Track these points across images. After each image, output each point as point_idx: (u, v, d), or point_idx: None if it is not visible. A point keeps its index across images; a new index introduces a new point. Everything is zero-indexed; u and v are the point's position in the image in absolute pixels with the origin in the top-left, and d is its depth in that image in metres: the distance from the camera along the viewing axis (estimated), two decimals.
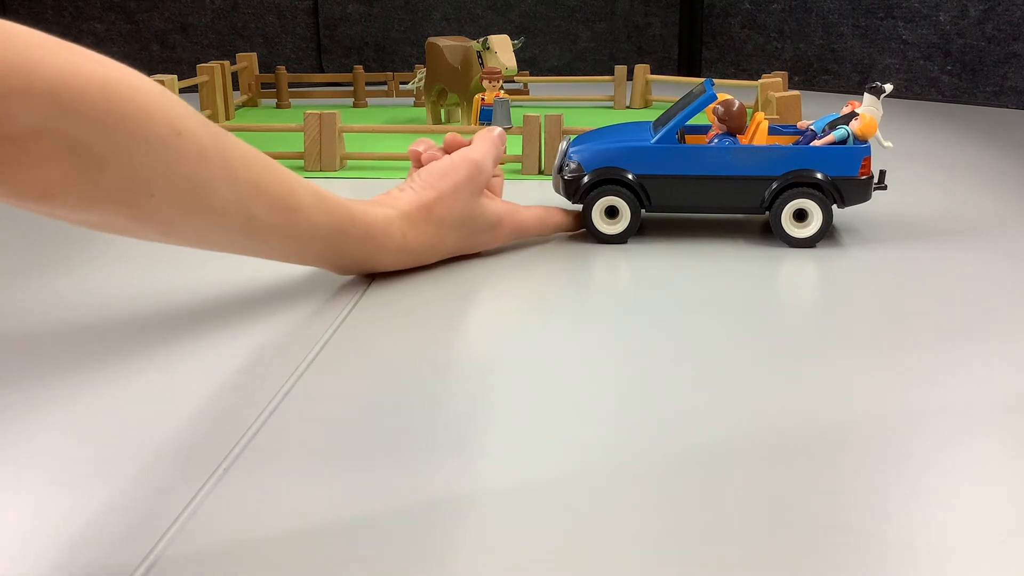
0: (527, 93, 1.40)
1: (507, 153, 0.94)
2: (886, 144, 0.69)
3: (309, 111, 0.92)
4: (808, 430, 0.40)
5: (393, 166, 0.94)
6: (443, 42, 1.11)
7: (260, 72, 1.39)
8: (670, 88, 1.34)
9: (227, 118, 1.21)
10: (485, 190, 0.63)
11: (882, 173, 0.69)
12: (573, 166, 0.68)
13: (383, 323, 0.53)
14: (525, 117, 0.91)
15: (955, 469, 0.37)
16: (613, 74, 1.34)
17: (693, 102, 0.66)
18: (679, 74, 1.72)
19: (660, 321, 0.53)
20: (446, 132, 0.66)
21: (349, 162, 0.96)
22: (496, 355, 0.49)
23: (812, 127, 0.70)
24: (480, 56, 1.06)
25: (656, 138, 0.67)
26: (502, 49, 1.04)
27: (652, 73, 1.35)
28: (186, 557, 0.31)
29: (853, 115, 0.67)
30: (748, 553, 0.32)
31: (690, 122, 0.68)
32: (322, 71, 1.73)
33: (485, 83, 1.02)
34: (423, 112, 1.26)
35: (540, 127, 0.91)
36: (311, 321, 0.53)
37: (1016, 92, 1.37)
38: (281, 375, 0.46)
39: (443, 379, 0.46)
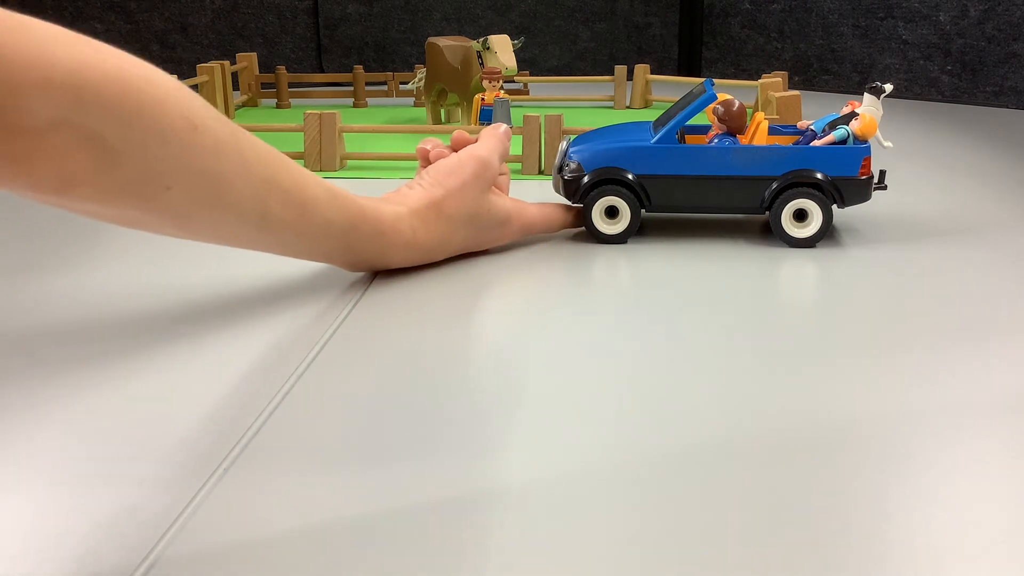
0: (527, 93, 1.40)
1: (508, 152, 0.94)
2: (886, 144, 0.69)
3: (309, 111, 0.92)
4: (808, 430, 0.40)
5: (393, 166, 0.94)
6: (443, 42, 1.11)
7: (260, 72, 1.39)
8: (670, 88, 1.34)
9: None
10: (493, 187, 0.63)
11: (882, 173, 0.69)
12: (573, 166, 0.68)
13: (384, 322, 0.53)
14: (525, 117, 0.91)
15: (955, 469, 0.37)
16: (613, 74, 1.34)
17: (693, 102, 0.66)
18: (679, 74, 1.72)
19: (661, 321, 0.53)
20: (446, 132, 0.66)
21: (349, 162, 0.96)
22: (497, 355, 0.49)
23: (812, 127, 0.70)
24: (480, 56, 1.06)
25: (656, 138, 0.67)
26: (502, 49, 1.04)
27: (652, 73, 1.35)
28: (186, 557, 0.31)
29: (853, 115, 0.67)
30: (748, 553, 0.32)
31: (690, 122, 0.68)
32: (322, 71, 1.73)
33: (485, 83, 1.02)
34: (423, 112, 1.26)
35: (540, 127, 0.91)
36: (311, 321, 0.53)
37: (1016, 92, 1.37)
38: (281, 375, 0.46)
39: (444, 379, 0.46)
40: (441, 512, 0.34)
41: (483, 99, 1.03)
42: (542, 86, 1.46)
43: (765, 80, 1.11)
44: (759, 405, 0.43)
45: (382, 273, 0.61)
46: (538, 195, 0.71)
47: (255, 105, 1.37)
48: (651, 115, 1.14)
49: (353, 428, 0.41)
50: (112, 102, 0.41)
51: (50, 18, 0.40)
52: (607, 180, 0.67)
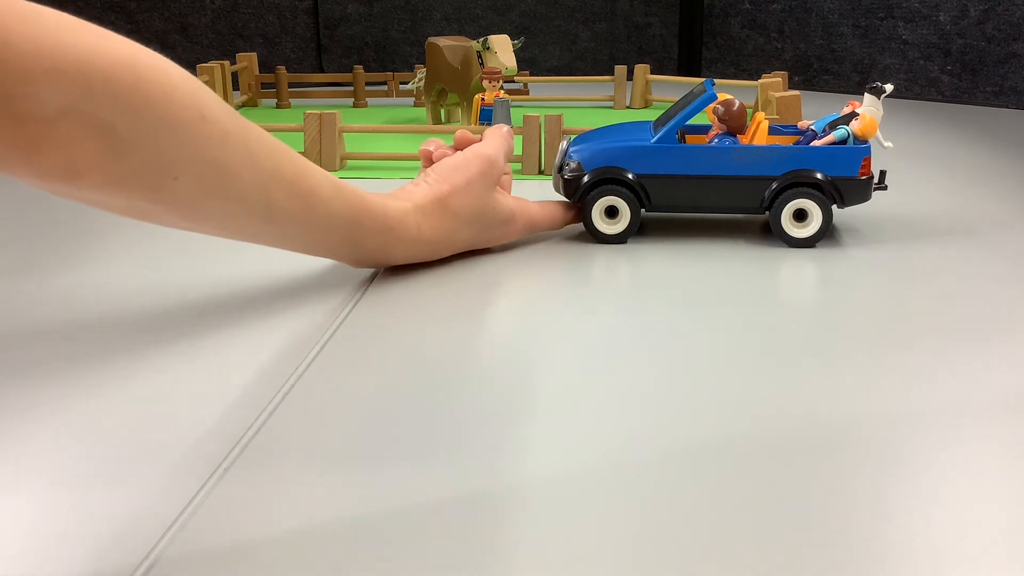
0: (527, 93, 1.40)
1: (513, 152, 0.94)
2: (886, 144, 0.69)
3: (309, 111, 0.92)
4: (808, 430, 0.40)
5: (393, 166, 0.94)
6: (443, 42, 1.11)
7: (260, 72, 1.39)
8: (670, 88, 1.34)
9: None
10: (497, 187, 0.63)
11: (882, 173, 0.69)
12: (573, 165, 0.68)
13: (385, 321, 0.53)
14: (525, 117, 0.91)
15: (955, 469, 0.37)
16: (613, 74, 1.34)
17: (693, 102, 0.66)
18: (679, 74, 1.72)
19: (663, 321, 0.53)
20: (446, 132, 0.66)
21: (349, 162, 0.96)
22: (498, 355, 0.49)
23: (812, 127, 0.70)
24: (480, 56, 1.06)
25: (656, 138, 0.67)
26: (502, 49, 1.04)
27: (652, 73, 1.35)
28: (186, 557, 0.31)
29: (853, 115, 0.67)
30: (749, 553, 0.31)
31: (690, 122, 0.68)
32: (322, 71, 1.73)
33: (485, 83, 1.02)
34: (423, 112, 1.26)
35: (540, 127, 0.91)
36: (312, 320, 0.53)
37: (1016, 92, 1.37)
38: (281, 374, 0.46)
39: (445, 378, 0.46)
40: (442, 512, 0.34)
41: (483, 99, 1.03)
42: (542, 86, 1.46)
43: (765, 80, 1.11)
44: (759, 405, 0.43)
45: (384, 272, 0.61)
46: (538, 195, 0.71)
47: (255, 105, 1.37)
48: (651, 115, 1.14)
49: (354, 428, 0.41)
50: (121, 91, 0.41)
51: None
52: (607, 180, 0.67)
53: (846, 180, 0.65)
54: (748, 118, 0.69)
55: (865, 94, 0.67)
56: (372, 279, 0.60)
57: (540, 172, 0.92)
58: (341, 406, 0.43)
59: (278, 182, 0.50)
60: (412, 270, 0.61)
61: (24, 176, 0.42)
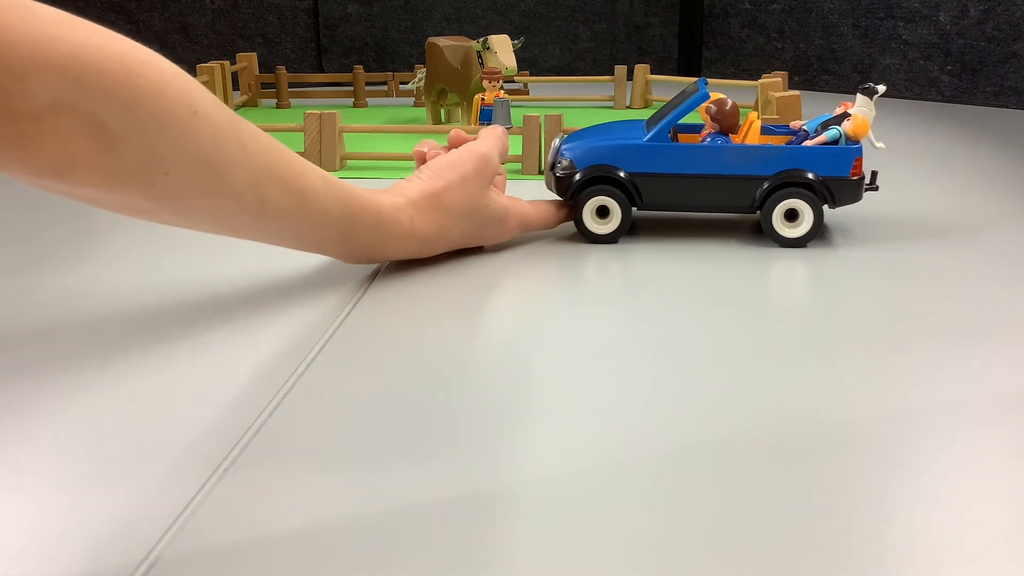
0: (527, 93, 1.40)
1: (507, 152, 0.94)
2: (878, 145, 0.69)
3: (309, 111, 0.92)
4: (808, 430, 0.40)
5: (393, 166, 0.94)
6: (443, 42, 1.11)
7: (260, 72, 1.39)
8: (670, 88, 1.34)
9: None
10: (491, 185, 0.63)
11: (873, 174, 0.69)
12: (565, 163, 0.68)
13: (383, 321, 0.53)
14: (525, 117, 0.91)
15: (955, 469, 0.37)
16: (613, 74, 1.34)
17: (686, 101, 0.66)
18: (679, 74, 1.72)
19: (658, 321, 0.53)
20: (446, 132, 0.66)
21: (349, 162, 0.96)
22: (497, 355, 0.49)
23: (805, 127, 0.70)
24: (480, 56, 1.06)
25: (648, 136, 0.67)
26: (502, 49, 1.04)
27: (652, 73, 1.35)
28: (186, 557, 0.31)
29: (845, 116, 0.67)
30: (748, 553, 0.32)
31: (683, 121, 0.68)
32: (322, 71, 1.73)
33: (485, 83, 1.02)
34: (423, 112, 1.26)
35: (540, 127, 0.91)
36: (311, 320, 0.53)
37: (1016, 92, 1.37)
38: (281, 374, 0.46)
39: (444, 378, 0.46)
40: (441, 512, 0.34)
41: (483, 99, 1.03)
42: (542, 86, 1.46)
43: (765, 80, 1.11)
44: (758, 405, 0.43)
45: (383, 272, 0.61)
46: (537, 195, 0.71)
47: (255, 105, 1.37)
48: (649, 115, 1.14)
49: (354, 428, 0.41)
50: (113, 86, 0.41)
51: None
52: (599, 178, 0.67)
53: (837, 180, 0.65)
54: (741, 117, 0.69)
55: (857, 95, 0.67)
56: (372, 278, 0.60)
57: (540, 172, 0.92)
58: (341, 406, 0.43)
59: (271, 178, 0.50)
60: (411, 270, 0.61)
61: (15, 172, 0.41)
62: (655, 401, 0.43)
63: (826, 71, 1.59)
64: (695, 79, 0.71)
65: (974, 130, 1.19)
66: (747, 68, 1.69)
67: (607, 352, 0.49)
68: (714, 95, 0.67)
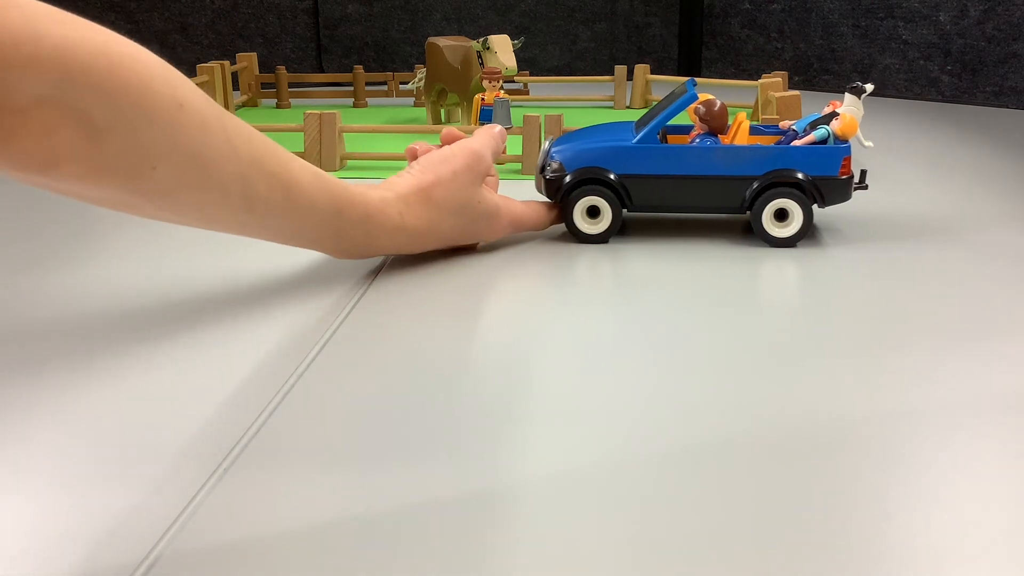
0: (527, 93, 1.40)
1: (507, 153, 0.94)
2: (867, 144, 0.69)
3: (309, 111, 0.92)
4: (806, 430, 0.40)
5: (393, 166, 0.94)
6: (443, 42, 1.11)
7: (260, 72, 1.39)
8: (670, 88, 1.34)
9: None
10: (483, 182, 0.63)
11: (863, 173, 0.69)
12: (555, 166, 0.68)
13: (383, 321, 0.53)
14: (525, 117, 0.91)
15: (955, 469, 0.37)
16: (613, 74, 1.34)
17: (675, 102, 0.67)
18: (679, 74, 1.72)
19: (656, 322, 0.53)
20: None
21: (349, 162, 0.96)
22: (495, 355, 0.49)
23: (793, 127, 0.70)
24: (480, 56, 1.06)
25: (637, 138, 0.67)
26: (502, 49, 1.04)
27: (652, 73, 1.35)
28: (186, 557, 0.31)
29: (834, 115, 0.67)
30: (748, 553, 0.32)
31: (673, 122, 0.68)
32: (322, 71, 1.73)
33: (485, 83, 1.02)
34: (423, 112, 1.26)
35: (540, 127, 0.91)
36: (312, 319, 0.53)
37: (1016, 92, 1.37)
38: (281, 374, 0.46)
39: (444, 378, 0.46)
40: (441, 512, 0.34)
41: (483, 99, 1.03)
42: (542, 86, 1.46)
43: (765, 80, 1.11)
44: (757, 404, 0.43)
45: (383, 271, 0.61)
46: (537, 195, 0.71)
47: (255, 105, 1.37)
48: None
49: (354, 428, 0.41)
50: (99, 79, 0.41)
51: None
52: (589, 180, 0.67)
53: (827, 180, 0.66)
54: (730, 118, 0.69)
55: (845, 94, 0.67)
56: (372, 278, 0.60)
57: None
58: (341, 406, 0.43)
59: (258, 171, 0.49)
60: (408, 270, 0.61)
61: (1, 167, 0.41)
62: (654, 401, 0.43)
63: (826, 71, 1.59)
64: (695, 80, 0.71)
65: (974, 130, 1.19)
66: (747, 68, 1.69)
67: (605, 352, 0.49)
68: (702, 96, 0.68)
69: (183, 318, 0.54)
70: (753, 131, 0.71)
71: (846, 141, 0.66)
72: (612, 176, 0.67)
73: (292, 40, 1.74)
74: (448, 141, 0.64)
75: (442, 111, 1.17)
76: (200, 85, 1.16)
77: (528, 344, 0.50)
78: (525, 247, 0.68)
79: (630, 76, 1.34)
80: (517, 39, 1.06)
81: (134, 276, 0.61)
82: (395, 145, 1.02)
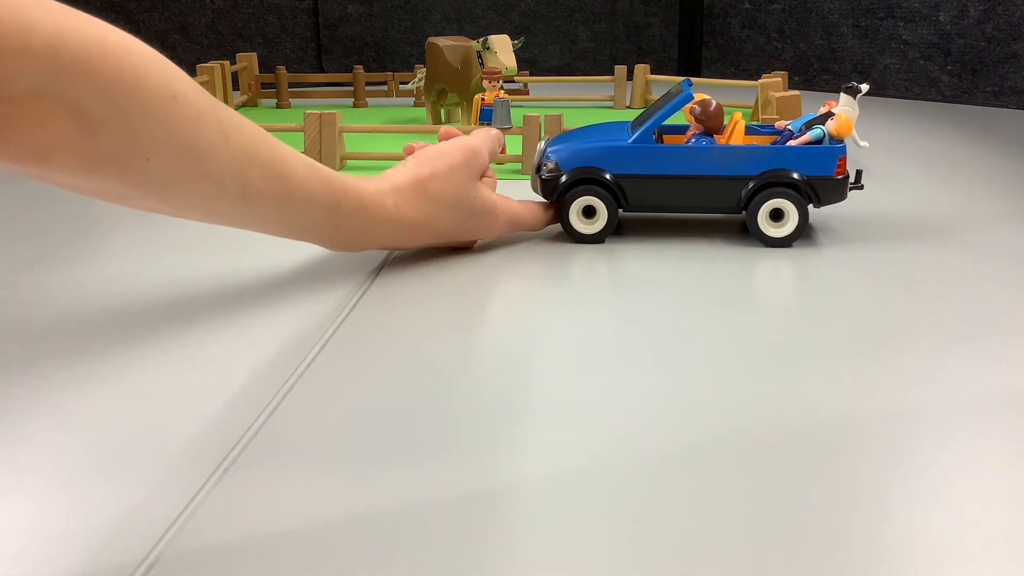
0: (527, 93, 1.40)
1: (507, 152, 0.94)
2: (862, 144, 0.69)
3: (309, 111, 0.92)
4: (807, 430, 0.40)
5: (393, 166, 0.94)
6: (443, 42, 1.11)
7: (260, 72, 1.39)
8: (670, 88, 1.34)
9: None
10: (480, 180, 0.63)
11: (858, 173, 0.69)
12: (551, 166, 0.68)
13: (383, 321, 0.53)
14: (525, 117, 0.91)
15: (955, 469, 0.37)
16: (613, 74, 1.34)
17: (670, 102, 0.67)
18: (679, 74, 1.72)
19: (654, 322, 0.53)
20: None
21: (349, 162, 0.96)
22: (495, 355, 0.49)
23: (789, 127, 0.70)
24: (480, 56, 1.06)
25: (633, 138, 0.67)
26: (502, 49, 1.04)
27: (652, 73, 1.35)
28: (186, 557, 0.31)
29: (830, 115, 0.67)
30: (748, 553, 0.32)
31: (669, 122, 0.68)
32: (322, 71, 1.73)
33: (485, 83, 1.02)
34: (423, 112, 1.26)
35: (540, 127, 0.91)
36: (312, 320, 0.53)
37: (1016, 92, 1.37)
38: (281, 374, 0.46)
39: (444, 378, 0.46)
40: (441, 512, 0.34)
41: (483, 99, 1.03)
42: (542, 86, 1.46)
43: (765, 80, 1.11)
44: (757, 404, 0.43)
45: (383, 271, 0.61)
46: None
47: (255, 105, 1.37)
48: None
49: (354, 428, 0.41)
50: (92, 70, 0.40)
51: None
52: (584, 180, 0.67)
53: (822, 180, 0.66)
54: (725, 118, 0.69)
55: (841, 94, 0.67)
56: (372, 278, 0.60)
57: None
58: (341, 406, 0.43)
59: (253, 163, 0.49)
60: (407, 270, 0.61)
61: None
62: (654, 401, 0.43)
63: (826, 71, 1.59)
64: (693, 79, 0.71)
65: (974, 130, 1.19)
66: (747, 68, 1.69)
67: (604, 352, 0.49)
68: (698, 96, 0.68)
69: (183, 318, 0.54)
70: (749, 131, 0.71)
71: (841, 141, 0.67)
72: (608, 176, 0.67)
73: (292, 40, 1.74)
74: (445, 139, 0.64)
75: (442, 111, 1.17)
76: (200, 85, 1.16)
77: (527, 344, 0.50)
78: (522, 247, 0.68)
79: (630, 76, 1.34)
80: (517, 39, 1.06)
81: (134, 276, 0.61)
82: (395, 145, 1.02)
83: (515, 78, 1.17)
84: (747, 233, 0.68)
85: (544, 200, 0.69)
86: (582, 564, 0.31)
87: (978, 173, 0.93)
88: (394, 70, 1.57)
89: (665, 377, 0.46)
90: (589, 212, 0.68)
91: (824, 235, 0.70)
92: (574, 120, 1.01)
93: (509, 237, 0.69)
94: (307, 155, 0.92)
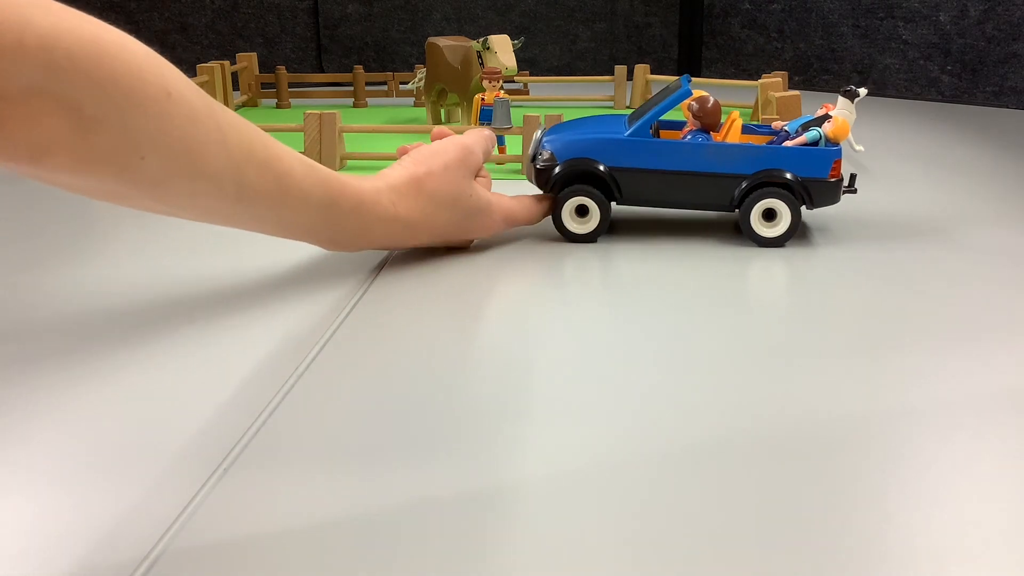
0: (527, 93, 1.40)
1: (507, 152, 0.94)
2: (857, 148, 0.69)
3: (309, 111, 0.92)
4: (807, 430, 0.40)
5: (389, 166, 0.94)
6: (443, 42, 1.11)
7: (260, 72, 1.39)
8: None
9: None
10: (475, 178, 0.63)
11: (852, 176, 0.69)
12: (546, 155, 0.68)
13: (383, 321, 0.53)
14: (525, 117, 0.91)
15: (955, 469, 0.37)
16: (613, 74, 1.34)
17: (668, 97, 0.67)
18: (679, 74, 1.72)
19: (652, 322, 0.53)
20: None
21: (349, 162, 0.96)
22: (495, 355, 0.49)
23: (786, 128, 0.70)
24: (480, 56, 1.06)
25: (630, 131, 0.67)
26: (502, 49, 1.04)
27: (652, 73, 1.35)
28: (186, 557, 0.31)
29: (827, 117, 0.67)
30: (748, 553, 0.31)
31: (666, 117, 0.68)
32: (322, 71, 1.73)
33: (485, 83, 1.02)
34: (423, 112, 1.26)
35: (541, 124, 0.91)
36: (312, 320, 0.53)
37: (1016, 92, 1.37)
38: (281, 374, 0.46)
39: (444, 378, 0.46)
40: (441, 511, 0.34)
41: (483, 99, 1.03)
42: (542, 86, 1.46)
43: (765, 80, 1.11)
44: (757, 404, 0.43)
45: (383, 272, 0.61)
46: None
47: (255, 105, 1.37)
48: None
49: (354, 428, 0.41)
50: (87, 68, 0.40)
51: None
52: (578, 174, 0.67)
53: (816, 181, 0.66)
54: (723, 116, 0.69)
55: (839, 97, 0.68)
56: (372, 277, 0.60)
57: None
58: (341, 406, 0.43)
59: (248, 161, 0.49)
60: (408, 270, 0.61)
61: None
62: (653, 400, 0.43)
63: (826, 71, 1.59)
64: (693, 79, 0.71)
65: (974, 130, 1.19)
66: (747, 68, 1.69)
67: (602, 352, 0.49)
68: (697, 92, 0.68)
69: (183, 318, 0.54)
70: (745, 130, 0.71)
71: (837, 144, 0.67)
72: (602, 168, 0.67)
73: (292, 40, 1.74)
74: (439, 139, 0.64)
75: (442, 111, 1.17)
76: (200, 85, 1.16)
77: (527, 344, 0.50)
78: (516, 247, 0.68)
79: (630, 76, 1.34)
80: (517, 39, 1.06)
81: (134, 276, 0.61)
82: (395, 145, 1.02)
83: (515, 78, 1.17)
84: (740, 233, 0.68)
85: (538, 191, 0.69)
86: (582, 564, 0.31)
87: (978, 173, 0.93)
88: (394, 70, 1.57)
89: (665, 377, 0.46)
90: (582, 211, 0.68)
91: (822, 235, 0.70)
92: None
93: (504, 236, 0.69)
94: (307, 155, 0.92)
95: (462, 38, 1.13)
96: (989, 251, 0.66)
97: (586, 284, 0.61)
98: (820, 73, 1.60)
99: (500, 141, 0.97)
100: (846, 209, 0.75)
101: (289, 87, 1.36)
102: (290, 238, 0.57)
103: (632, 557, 0.31)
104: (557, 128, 0.71)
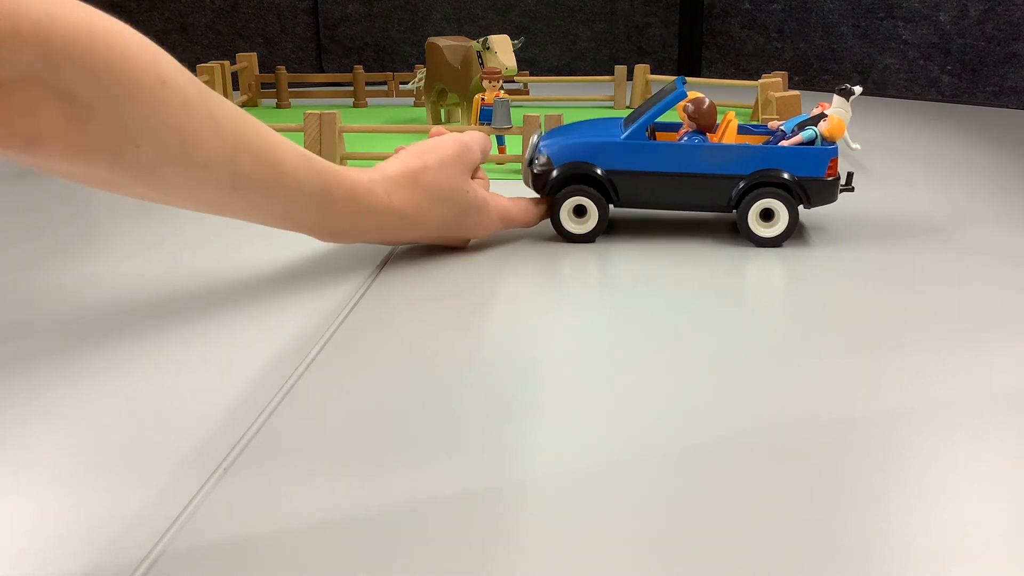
0: (527, 93, 1.40)
1: (507, 152, 0.94)
2: (854, 146, 0.69)
3: (309, 111, 0.92)
4: (807, 430, 0.40)
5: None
6: (443, 42, 1.11)
7: (260, 72, 1.39)
8: None
9: None
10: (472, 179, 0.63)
11: (849, 175, 0.69)
12: (543, 160, 0.68)
13: (383, 321, 0.53)
14: (525, 117, 0.91)
15: (955, 469, 0.37)
16: (613, 74, 1.34)
17: (663, 99, 0.67)
18: (679, 74, 1.72)
19: (652, 322, 0.53)
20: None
21: (349, 162, 0.96)
22: (493, 354, 0.49)
23: (782, 127, 0.70)
24: (480, 56, 1.06)
25: (626, 134, 0.67)
26: (502, 49, 1.04)
27: (652, 73, 1.35)
28: (186, 557, 0.31)
29: (822, 116, 0.67)
30: (748, 553, 0.32)
31: (662, 119, 0.68)
32: (322, 71, 1.73)
33: (485, 83, 1.02)
34: (423, 112, 1.26)
35: (540, 127, 0.91)
36: (312, 319, 0.53)
37: (1016, 92, 1.37)
38: (281, 374, 0.46)
39: (444, 378, 0.46)
40: (441, 511, 0.34)
41: (483, 99, 1.03)
42: (542, 86, 1.46)
43: (765, 80, 1.11)
44: (756, 404, 0.43)
45: (383, 271, 0.61)
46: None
47: (255, 105, 1.37)
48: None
49: (354, 427, 0.41)
50: (81, 56, 0.40)
51: None
52: (576, 176, 0.67)
53: (813, 181, 0.66)
54: (719, 117, 0.69)
55: (834, 96, 0.68)
56: (373, 277, 0.60)
57: None
58: (341, 406, 0.43)
59: (243, 150, 0.49)
60: (407, 270, 0.61)
61: None
62: (653, 400, 0.43)
63: (826, 71, 1.59)
64: (694, 79, 0.71)
65: (974, 130, 1.19)
66: (747, 68, 1.69)
67: (603, 352, 0.49)
68: (692, 94, 0.68)
69: (183, 318, 0.54)
70: (741, 130, 0.71)
71: (833, 143, 0.67)
72: (599, 171, 0.67)
73: (292, 40, 1.74)
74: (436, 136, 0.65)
75: (442, 111, 1.17)
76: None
77: (527, 344, 0.50)
78: (515, 246, 0.68)
79: (630, 76, 1.34)
80: (517, 39, 1.06)
81: (133, 276, 0.61)
82: (395, 145, 1.02)
83: (515, 78, 1.17)
84: (737, 233, 0.68)
85: (535, 195, 0.70)
86: (582, 564, 0.31)
87: (978, 173, 0.93)
88: (394, 70, 1.57)
89: (665, 377, 0.46)
90: (580, 212, 0.68)
91: (820, 235, 0.70)
92: (574, 120, 1.01)
93: (503, 236, 0.69)
94: None
95: (462, 38, 1.13)
96: (989, 251, 0.66)
97: (585, 284, 0.61)
98: (820, 73, 1.60)
99: (500, 141, 0.97)
100: (845, 209, 0.75)
101: (289, 87, 1.36)
102: (285, 228, 0.57)
103: (632, 557, 0.31)
104: (554, 132, 0.71)
